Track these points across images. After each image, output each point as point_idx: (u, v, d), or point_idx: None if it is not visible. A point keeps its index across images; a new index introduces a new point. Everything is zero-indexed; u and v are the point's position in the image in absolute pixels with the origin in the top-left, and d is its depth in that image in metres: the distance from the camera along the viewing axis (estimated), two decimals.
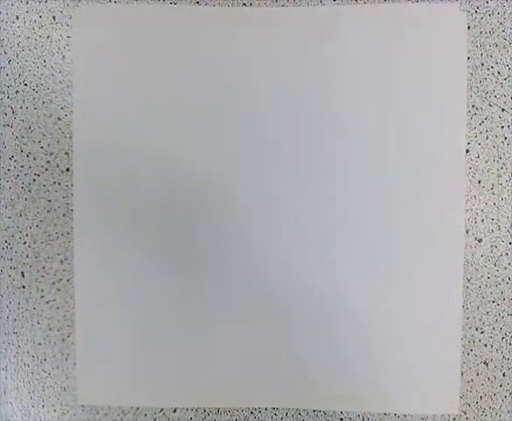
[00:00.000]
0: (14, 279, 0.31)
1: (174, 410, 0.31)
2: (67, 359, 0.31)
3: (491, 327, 0.30)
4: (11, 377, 0.31)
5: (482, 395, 0.30)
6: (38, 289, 0.31)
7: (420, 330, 0.29)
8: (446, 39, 0.30)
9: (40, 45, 0.31)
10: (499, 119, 0.30)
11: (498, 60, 0.30)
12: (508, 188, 0.30)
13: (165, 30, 0.30)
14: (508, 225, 0.30)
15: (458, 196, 0.28)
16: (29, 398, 0.31)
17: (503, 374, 0.30)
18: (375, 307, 0.30)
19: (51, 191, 0.31)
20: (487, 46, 0.30)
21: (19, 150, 0.31)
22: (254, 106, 0.30)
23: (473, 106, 0.30)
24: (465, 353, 0.30)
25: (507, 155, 0.30)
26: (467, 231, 0.30)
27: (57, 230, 0.31)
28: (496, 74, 0.30)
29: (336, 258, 0.30)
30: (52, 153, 0.31)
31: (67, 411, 0.31)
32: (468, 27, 0.30)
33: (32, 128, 0.31)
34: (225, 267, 0.30)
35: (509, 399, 0.30)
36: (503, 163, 0.30)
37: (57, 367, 0.31)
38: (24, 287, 0.31)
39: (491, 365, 0.30)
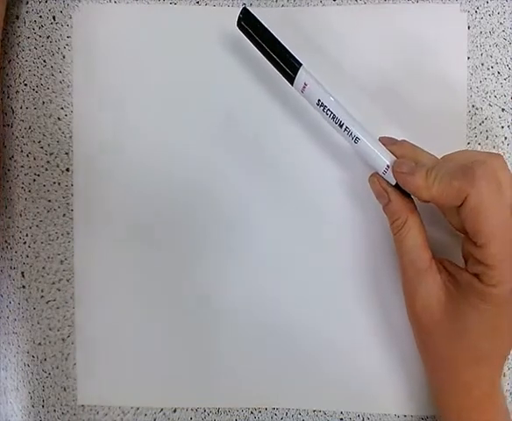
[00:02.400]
0: (14, 279, 0.31)
1: (174, 410, 0.31)
2: (67, 359, 0.31)
3: None
4: (11, 377, 0.31)
5: None
6: (38, 289, 0.31)
7: None
8: (446, 40, 0.30)
9: (40, 45, 0.31)
10: (499, 119, 0.30)
11: (498, 60, 0.30)
12: None
13: (165, 30, 0.30)
14: None
15: None
16: (29, 398, 0.31)
17: (503, 375, 0.30)
18: (375, 307, 0.30)
19: (51, 191, 0.31)
20: (487, 46, 0.30)
21: (19, 150, 0.31)
22: (254, 106, 0.30)
23: (473, 106, 0.30)
24: None
25: (507, 155, 0.30)
26: None
27: (57, 230, 0.31)
28: (496, 74, 0.30)
29: (336, 259, 0.30)
30: (52, 153, 0.31)
31: (67, 411, 0.31)
32: (468, 27, 0.30)
33: (32, 128, 0.31)
34: (225, 267, 0.30)
35: (509, 399, 0.30)
36: None
37: (57, 367, 0.31)
38: (24, 287, 0.31)
39: None
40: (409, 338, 0.28)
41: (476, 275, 0.23)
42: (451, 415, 0.26)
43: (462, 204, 0.22)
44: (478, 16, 0.30)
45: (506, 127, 0.30)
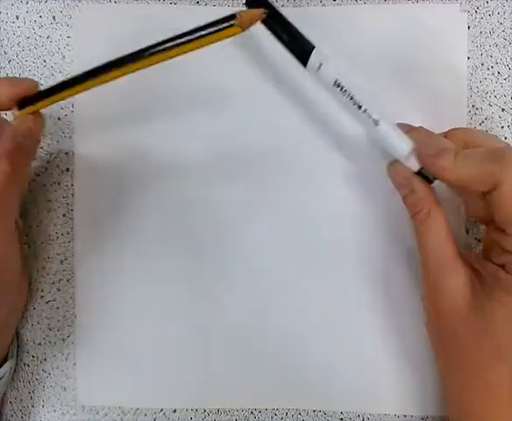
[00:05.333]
0: None
1: (174, 410, 0.31)
2: (67, 359, 0.31)
3: None
4: (11, 377, 0.31)
5: None
6: (38, 289, 0.31)
7: (421, 330, 0.29)
8: (446, 40, 0.30)
9: (40, 45, 0.31)
10: (499, 119, 0.30)
11: (498, 60, 0.30)
12: None
13: (165, 30, 0.30)
14: None
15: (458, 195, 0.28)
16: (29, 398, 0.31)
17: None
18: (376, 307, 0.30)
19: (51, 191, 0.31)
20: (487, 46, 0.30)
21: None
22: (255, 106, 0.30)
23: (473, 106, 0.30)
24: None
25: None
26: (467, 231, 0.30)
27: (57, 230, 0.31)
28: (496, 74, 0.30)
29: (338, 259, 0.30)
30: (52, 153, 0.31)
31: (67, 411, 0.31)
32: (468, 27, 0.30)
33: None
34: (226, 265, 0.30)
35: None
36: None
37: (57, 367, 0.31)
38: None
39: None
40: (410, 337, 0.28)
41: (502, 266, 0.22)
42: (467, 418, 0.25)
43: (491, 190, 0.21)
44: (478, 16, 0.30)
45: (506, 127, 0.30)
